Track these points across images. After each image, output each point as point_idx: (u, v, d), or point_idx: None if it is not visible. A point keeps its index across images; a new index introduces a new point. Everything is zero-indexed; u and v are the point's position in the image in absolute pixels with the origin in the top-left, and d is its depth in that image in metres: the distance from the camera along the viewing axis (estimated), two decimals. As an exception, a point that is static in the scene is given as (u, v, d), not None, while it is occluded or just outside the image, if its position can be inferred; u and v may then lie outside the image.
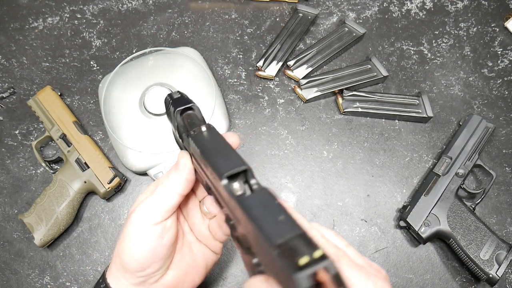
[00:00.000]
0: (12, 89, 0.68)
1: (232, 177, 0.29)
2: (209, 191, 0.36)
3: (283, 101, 0.68)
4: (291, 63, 0.68)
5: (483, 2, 0.75)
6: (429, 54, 0.71)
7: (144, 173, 0.63)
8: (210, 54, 0.71)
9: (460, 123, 0.66)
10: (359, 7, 0.74)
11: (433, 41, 0.72)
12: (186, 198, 0.42)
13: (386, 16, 0.74)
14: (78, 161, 0.61)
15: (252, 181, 0.29)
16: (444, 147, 0.66)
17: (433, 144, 0.67)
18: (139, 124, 0.61)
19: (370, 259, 0.49)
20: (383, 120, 0.68)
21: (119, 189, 0.63)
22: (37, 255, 0.61)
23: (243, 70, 0.70)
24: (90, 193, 0.63)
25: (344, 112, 0.67)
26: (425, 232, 0.58)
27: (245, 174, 0.30)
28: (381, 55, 0.71)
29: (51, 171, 0.63)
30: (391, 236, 0.62)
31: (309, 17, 0.70)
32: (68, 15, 0.73)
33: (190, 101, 0.38)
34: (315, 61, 0.68)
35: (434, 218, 0.59)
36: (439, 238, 0.60)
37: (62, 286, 0.60)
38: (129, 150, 0.60)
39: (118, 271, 0.39)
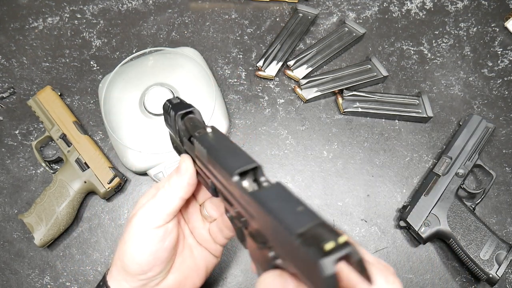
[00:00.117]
0: (12, 89, 0.68)
1: (242, 175, 0.30)
2: (214, 192, 0.36)
3: (283, 101, 0.68)
4: (291, 63, 0.68)
5: (483, 2, 0.75)
6: (429, 54, 0.71)
7: (144, 173, 0.63)
8: (210, 54, 0.71)
9: (460, 123, 0.66)
10: (359, 7, 0.74)
11: (433, 41, 0.72)
12: (187, 202, 0.42)
13: (386, 16, 0.74)
14: (78, 161, 0.61)
15: (262, 179, 0.30)
16: (444, 147, 0.66)
17: (433, 144, 0.67)
18: (139, 124, 0.61)
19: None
20: (383, 120, 0.68)
21: (119, 189, 0.63)
22: (37, 255, 0.61)
23: (243, 70, 0.70)
24: (90, 193, 0.63)
25: (344, 112, 0.67)
26: (425, 232, 0.58)
27: (254, 172, 0.30)
28: (381, 55, 0.71)
29: (51, 171, 0.63)
30: (391, 236, 0.62)
31: (309, 17, 0.70)
32: (68, 15, 0.73)
33: (190, 105, 0.39)
34: (315, 61, 0.68)
35: (434, 218, 0.59)
36: (439, 238, 0.60)
37: (62, 286, 0.60)
38: (129, 150, 0.60)
39: (119, 274, 0.39)
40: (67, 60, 0.70)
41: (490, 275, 0.55)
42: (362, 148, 0.66)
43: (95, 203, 0.63)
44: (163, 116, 0.61)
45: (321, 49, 0.69)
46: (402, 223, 0.61)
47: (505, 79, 0.70)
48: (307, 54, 0.69)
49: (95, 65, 0.70)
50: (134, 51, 0.70)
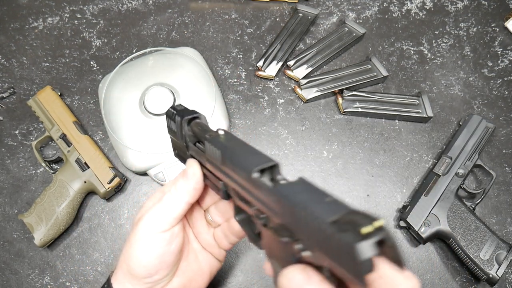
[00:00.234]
0: (12, 89, 0.68)
1: (260, 173, 0.30)
2: (225, 195, 0.36)
3: (283, 101, 0.68)
4: (291, 63, 0.68)
5: (483, 2, 0.75)
6: (429, 54, 0.71)
7: (144, 173, 0.63)
8: (210, 54, 0.71)
9: (460, 123, 0.66)
10: (359, 7, 0.74)
11: (433, 41, 0.72)
12: (191, 207, 0.42)
13: (386, 16, 0.74)
14: (78, 161, 0.61)
15: (279, 177, 0.30)
16: (444, 147, 0.66)
17: (433, 144, 0.67)
18: (139, 124, 0.61)
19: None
20: (383, 120, 0.68)
21: (119, 189, 0.63)
22: (37, 255, 0.61)
23: (243, 70, 0.70)
24: (90, 193, 0.63)
25: (344, 112, 0.67)
26: (425, 232, 0.58)
27: (271, 171, 0.30)
28: (381, 55, 0.71)
29: (51, 171, 0.63)
30: (391, 236, 0.62)
31: (309, 17, 0.70)
32: (68, 15, 0.73)
33: (195, 111, 0.39)
34: (315, 61, 0.68)
35: (434, 218, 0.59)
36: (439, 238, 0.60)
37: (62, 286, 0.60)
38: (129, 150, 0.60)
39: (124, 277, 0.39)
40: (67, 60, 0.70)
41: (490, 275, 0.55)
42: (362, 148, 0.66)
43: (95, 203, 0.63)
44: (162, 117, 0.61)
45: (321, 49, 0.69)
46: (402, 223, 0.61)
47: (505, 79, 0.70)
48: (307, 54, 0.69)
49: (95, 65, 0.70)
50: (134, 51, 0.70)
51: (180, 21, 0.73)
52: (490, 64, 0.71)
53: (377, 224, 0.21)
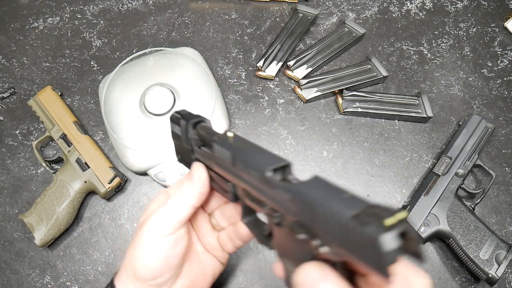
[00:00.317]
0: (12, 89, 0.68)
1: (273, 172, 0.30)
2: (234, 197, 0.36)
3: (283, 101, 0.68)
4: (291, 63, 0.68)
5: (483, 2, 0.75)
6: (429, 54, 0.72)
7: (144, 173, 0.63)
8: (210, 54, 0.71)
9: (460, 123, 0.66)
10: (359, 7, 0.74)
11: (433, 41, 0.72)
12: (196, 210, 0.42)
13: (386, 16, 0.74)
14: (78, 161, 0.61)
15: (290, 177, 0.30)
16: (444, 147, 0.66)
17: (433, 144, 0.67)
18: (139, 124, 0.62)
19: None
20: (383, 120, 0.68)
21: (119, 189, 0.63)
22: (37, 255, 0.61)
23: (243, 70, 0.70)
24: (90, 193, 0.63)
25: (344, 112, 0.67)
26: (424, 232, 0.58)
27: (283, 171, 0.30)
28: (381, 55, 0.71)
29: (52, 171, 0.63)
30: (391, 236, 0.62)
31: (309, 17, 0.71)
32: (68, 15, 0.73)
33: (200, 116, 0.39)
34: (315, 61, 0.68)
35: (434, 218, 0.59)
36: (439, 238, 0.60)
37: (63, 286, 0.60)
38: (129, 150, 0.61)
39: (128, 279, 0.40)
40: (68, 60, 0.70)
41: (490, 275, 0.56)
42: (362, 148, 0.66)
43: (95, 203, 0.64)
44: (163, 116, 0.61)
45: (321, 49, 0.69)
46: (402, 223, 0.61)
47: (505, 79, 0.70)
48: (307, 54, 0.69)
49: (95, 65, 0.70)
50: (134, 51, 0.70)
51: (180, 21, 0.73)
52: (490, 64, 0.71)
53: (399, 216, 0.21)
